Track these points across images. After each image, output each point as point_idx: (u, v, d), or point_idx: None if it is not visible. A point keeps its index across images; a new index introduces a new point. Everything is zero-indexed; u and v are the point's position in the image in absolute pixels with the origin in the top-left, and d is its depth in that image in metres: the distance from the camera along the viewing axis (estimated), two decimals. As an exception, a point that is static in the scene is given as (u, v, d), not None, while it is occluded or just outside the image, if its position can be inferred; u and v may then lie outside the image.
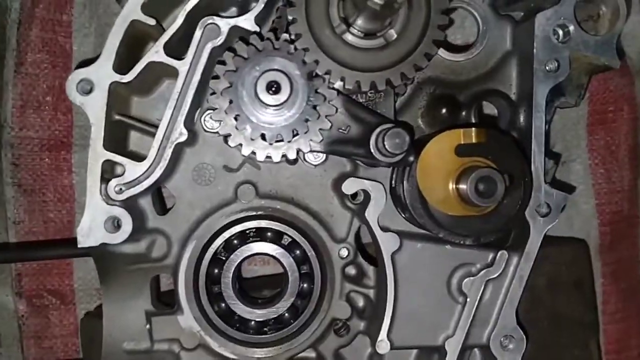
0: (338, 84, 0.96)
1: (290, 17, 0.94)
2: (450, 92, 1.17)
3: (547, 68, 1.10)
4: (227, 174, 1.16)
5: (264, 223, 1.16)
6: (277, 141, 0.97)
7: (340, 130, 1.02)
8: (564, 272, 1.33)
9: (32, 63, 1.39)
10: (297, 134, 0.97)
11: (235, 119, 0.96)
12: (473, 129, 0.99)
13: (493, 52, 1.19)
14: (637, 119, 1.50)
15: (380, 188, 1.10)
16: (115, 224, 1.06)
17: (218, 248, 1.16)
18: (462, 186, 0.97)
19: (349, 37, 0.95)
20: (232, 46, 1.04)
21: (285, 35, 0.97)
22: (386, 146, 0.95)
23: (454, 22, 1.22)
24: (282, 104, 0.93)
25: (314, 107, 0.96)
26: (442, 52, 1.17)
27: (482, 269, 1.12)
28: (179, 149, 1.10)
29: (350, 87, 0.96)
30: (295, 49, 0.95)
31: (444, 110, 1.15)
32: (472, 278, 1.11)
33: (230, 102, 0.95)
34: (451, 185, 0.98)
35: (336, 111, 0.99)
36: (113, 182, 1.06)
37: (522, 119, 1.16)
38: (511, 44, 1.19)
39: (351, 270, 1.19)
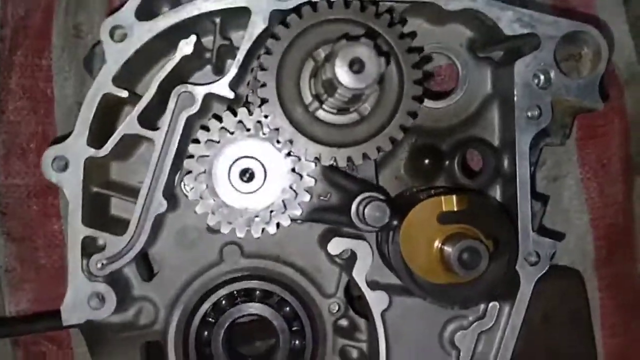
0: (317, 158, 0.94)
1: (261, 96, 0.92)
2: (432, 142, 1.15)
3: (528, 115, 1.09)
4: (211, 235, 1.14)
5: (251, 283, 1.15)
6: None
7: (321, 199, 1.00)
8: (558, 306, 1.31)
9: (13, 111, 1.37)
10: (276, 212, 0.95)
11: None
12: (454, 196, 0.97)
13: (474, 97, 1.17)
14: (628, 130, 1.48)
15: (366, 246, 1.08)
16: (99, 300, 1.05)
17: (206, 311, 1.15)
18: (446, 255, 0.95)
19: (322, 114, 0.93)
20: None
21: (257, 112, 0.94)
22: (366, 219, 0.94)
23: (433, 75, 1.19)
24: (257, 190, 0.91)
25: (291, 186, 0.94)
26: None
27: (474, 321, 1.10)
28: (160, 216, 1.09)
29: (327, 163, 0.94)
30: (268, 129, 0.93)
31: (426, 161, 1.14)
32: (464, 331, 1.10)
33: (206, 185, 0.93)
34: (434, 254, 0.97)
35: (315, 182, 0.97)
36: (94, 259, 1.05)
37: (506, 165, 1.14)
38: (492, 88, 1.17)
39: (342, 325, 1.18)
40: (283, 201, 0.95)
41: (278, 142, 0.93)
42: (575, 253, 1.44)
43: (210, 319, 1.15)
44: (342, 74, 0.79)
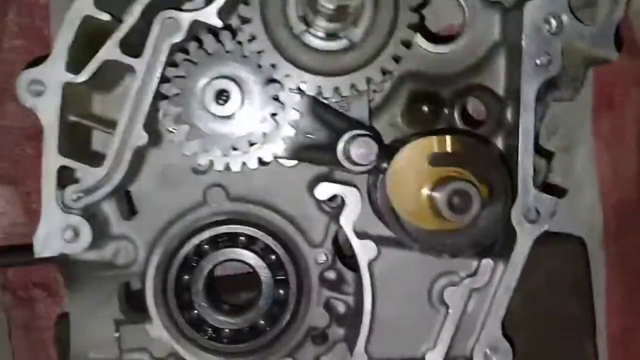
0: (302, 86, 0.87)
1: (244, 16, 0.85)
2: (433, 88, 1.08)
3: (537, 62, 1.01)
4: (195, 176, 1.09)
5: (235, 228, 1.10)
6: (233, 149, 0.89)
7: (307, 136, 0.94)
8: (561, 272, 1.27)
9: (8, 49, 1.33)
10: (256, 143, 0.89)
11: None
12: (448, 136, 0.91)
13: (480, 43, 1.10)
14: None
15: (356, 193, 1.02)
16: (74, 233, 1.01)
17: (188, 254, 1.10)
18: (435, 199, 0.89)
19: (309, 38, 0.86)
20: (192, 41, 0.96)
21: (240, 36, 0.88)
22: (352, 156, 0.88)
23: (425, 18, 1.12)
24: (233, 114, 0.85)
25: (273, 115, 0.88)
26: (424, 44, 1.08)
27: (465, 277, 1.05)
28: (141, 151, 1.03)
29: (312, 93, 0.88)
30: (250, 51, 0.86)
31: (425, 108, 1.07)
32: (454, 287, 1.04)
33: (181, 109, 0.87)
34: (424, 197, 0.90)
35: (301, 116, 0.91)
36: (69, 190, 1.00)
37: (509, 115, 1.07)
38: (500, 34, 1.10)
39: (329, 276, 1.13)
40: (264, 133, 0.89)
41: (259, 66, 0.87)
42: (583, 227, 1.39)
43: (191, 263, 1.11)
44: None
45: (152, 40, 0.99)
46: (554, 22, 1.01)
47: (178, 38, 0.98)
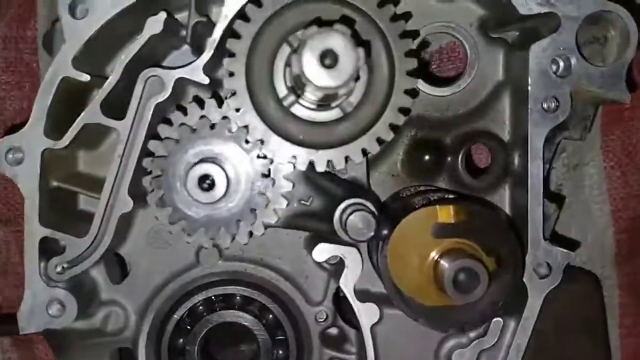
0: (293, 161, 0.81)
1: (229, 87, 0.79)
2: (435, 134, 1.03)
3: (544, 107, 0.95)
4: (187, 236, 1.03)
5: (230, 288, 1.04)
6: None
7: (302, 203, 0.88)
8: (571, 314, 1.20)
9: (-3, 85, 1.28)
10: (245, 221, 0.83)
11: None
12: (451, 206, 0.85)
13: (483, 84, 1.04)
14: None
15: (356, 253, 0.96)
16: (59, 306, 0.96)
17: (181, 317, 1.05)
18: (440, 274, 0.83)
19: (299, 109, 0.80)
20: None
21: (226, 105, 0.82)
22: (348, 231, 0.82)
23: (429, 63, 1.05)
24: (219, 200, 0.79)
25: (263, 192, 0.82)
26: (425, 87, 1.02)
27: (474, 338, 0.99)
28: (128, 215, 0.98)
29: (303, 168, 0.82)
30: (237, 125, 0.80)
31: (427, 157, 1.01)
32: (463, 350, 0.98)
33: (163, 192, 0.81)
34: (427, 273, 0.84)
35: (293, 186, 0.85)
36: (53, 262, 0.95)
37: (517, 163, 1.01)
38: (504, 74, 1.03)
39: (331, 335, 1.07)
40: (253, 210, 0.83)
41: (247, 142, 0.81)
42: (594, 248, 1.33)
43: (185, 326, 1.05)
44: (311, 69, 0.66)
45: (135, 100, 0.94)
46: (561, 64, 0.95)
47: (163, 97, 0.93)
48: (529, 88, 0.95)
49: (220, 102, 0.85)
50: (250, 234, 0.87)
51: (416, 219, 0.84)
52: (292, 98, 0.77)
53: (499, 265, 0.85)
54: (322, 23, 0.68)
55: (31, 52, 1.28)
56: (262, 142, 0.78)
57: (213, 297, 1.05)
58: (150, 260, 1.04)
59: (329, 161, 0.81)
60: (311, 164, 0.81)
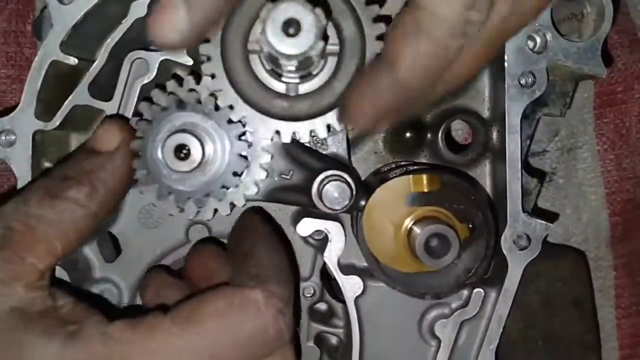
0: (276, 137, 0.84)
1: (205, 71, 0.82)
2: (415, 113, 1.05)
3: (521, 82, 0.97)
4: (177, 214, 1.06)
5: (220, 264, 1.07)
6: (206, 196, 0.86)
7: (283, 177, 0.91)
8: (560, 290, 1.22)
9: (-3, 79, 1.31)
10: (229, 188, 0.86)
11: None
12: (424, 175, 0.87)
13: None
14: None
15: (339, 227, 0.99)
16: (53, 281, 0.99)
17: (175, 292, 1.08)
18: (412, 242, 0.85)
19: (280, 86, 0.82)
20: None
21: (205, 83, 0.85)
22: (323, 200, 0.84)
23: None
24: (198, 165, 0.81)
25: (243, 156, 0.84)
26: (406, 66, 1.04)
27: (456, 309, 1.01)
28: (119, 194, 1.01)
29: (287, 140, 0.84)
30: (217, 107, 0.83)
31: (408, 134, 1.03)
32: (445, 320, 1.01)
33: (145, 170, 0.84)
34: (401, 240, 0.87)
35: (272, 158, 0.88)
36: (46, 237, 0.98)
37: (495, 138, 1.03)
38: (483, 52, 1.05)
39: (319, 310, 1.10)
40: (236, 178, 0.86)
41: (230, 122, 0.84)
42: (588, 230, 1.35)
43: (177, 302, 1.08)
44: (278, 43, 0.69)
45: (121, 82, 0.97)
46: (537, 40, 0.97)
47: (148, 78, 0.96)
48: (506, 64, 0.97)
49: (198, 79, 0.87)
50: (232, 205, 0.90)
51: (390, 189, 0.87)
52: (272, 78, 0.80)
53: (472, 233, 0.87)
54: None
55: (31, 46, 1.30)
56: (243, 121, 0.81)
57: (203, 274, 1.08)
58: (141, 238, 1.07)
59: (311, 131, 0.83)
60: (295, 136, 0.83)
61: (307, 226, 0.98)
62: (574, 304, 1.23)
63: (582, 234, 1.37)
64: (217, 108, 0.83)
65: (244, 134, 0.83)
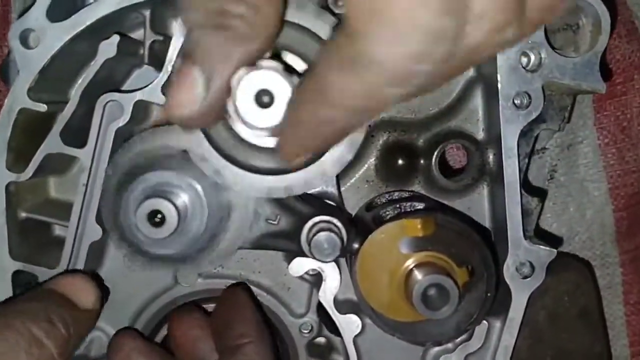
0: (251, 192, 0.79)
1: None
2: (407, 138, 1.00)
3: (516, 103, 0.92)
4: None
5: (211, 307, 1.03)
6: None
7: (269, 222, 0.86)
8: (566, 304, 1.18)
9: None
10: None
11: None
12: (418, 219, 0.82)
13: (455, 81, 1.00)
14: None
15: (333, 266, 0.94)
16: (38, 338, 0.95)
17: (164, 339, 1.04)
18: (409, 290, 0.81)
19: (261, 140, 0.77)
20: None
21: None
22: (312, 251, 0.80)
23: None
24: (170, 235, 0.77)
25: (221, 219, 0.80)
26: (395, 89, 0.99)
27: (459, 343, 0.97)
28: (100, 241, 0.96)
29: (263, 195, 0.79)
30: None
31: (400, 161, 0.99)
32: (448, 355, 0.96)
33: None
34: (397, 288, 0.82)
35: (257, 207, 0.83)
36: (28, 294, 0.94)
37: (492, 161, 0.98)
38: (475, 70, 1.00)
39: (317, 346, 1.06)
40: (214, 235, 0.81)
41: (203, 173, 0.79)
42: (593, 227, 1.31)
43: (169, 347, 1.04)
44: (249, 113, 0.63)
45: (95, 127, 0.92)
46: (532, 58, 0.92)
47: (123, 121, 0.92)
48: (499, 85, 0.92)
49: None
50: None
51: (383, 235, 0.82)
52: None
53: (471, 276, 0.82)
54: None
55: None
56: (217, 172, 0.76)
57: (195, 317, 1.04)
58: (128, 283, 1.03)
59: (286, 187, 0.78)
60: (269, 192, 0.78)
61: (299, 266, 0.94)
62: (581, 315, 1.20)
63: (587, 231, 1.34)
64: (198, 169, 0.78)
65: (223, 191, 0.78)
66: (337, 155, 0.79)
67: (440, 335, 0.87)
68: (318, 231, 0.82)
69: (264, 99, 0.61)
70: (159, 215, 0.76)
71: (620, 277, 1.37)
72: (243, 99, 0.61)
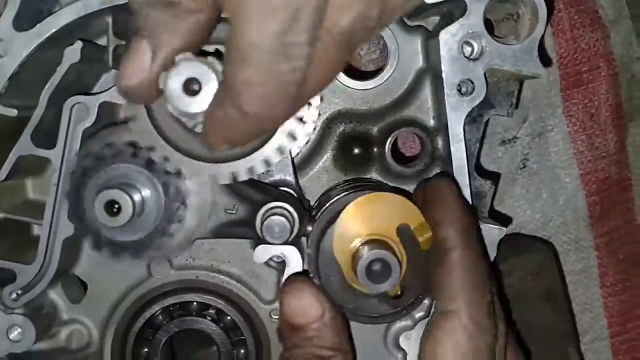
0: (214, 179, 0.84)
1: (127, 115, 0.83)
2: (363, 128, 1.05)
3: (461, 91, 0.97)
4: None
5: (185, 297, 1.08)
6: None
7: (228, 212, 0.91)
8: (531, 284, 1.23)
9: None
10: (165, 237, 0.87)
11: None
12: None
13: (407, 73, 1.05)
14: (617, 75, 1.39)
15: (295, 252, 0.99)
16: (20, 331, 1.00)
17: (142, 329, 1.09)
18: (356, 264, 0.86)
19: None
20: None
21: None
22: (265, 235, 0.85)
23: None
24: (131, 220, 0.82)
25: (177, 208, 0.85)
26: (351, 83, 1.04)
27: (419, 320, 1.01)
28: (74, 237, 1.02)
29: (227, 182, 0.84)
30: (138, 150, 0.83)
31: (356, 151, 1.04)
32: (409, 332, 1.00)
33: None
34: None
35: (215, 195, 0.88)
36: (7, 290, 1.00)
37: (442, 148, 1.03)
38: (425, 60, 1.05)
39: (288, 330, 1.10)
40: (176, 224, 0.86)
41: (153, 161, 0.84)
42: (567, 212, 1.36)
43: (147, 336, 1.10)
44: (181, 103, 0.68)
45: (63, 128, 0.98)
46: (473, 47, 0.96)
47: (90, 122, 0.97)
48: (443, 75, 0.96)
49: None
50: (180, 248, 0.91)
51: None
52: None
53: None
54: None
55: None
56: (166, 159, 0.81)
57: (170, 307, 1.09)
58: (105, 277, 1.08)
59: (250, 168, 0.84)
60: (234, 177, 0.84)
61: (263, 253, 0.98)
62: (546, 295, 1.24)
63: (561, 217, 1.38)
64: (150, 161, 0.83)
65: (177, 180, 0.83)
66: (279, 144, 0.84)
67: (381, 312, 0.91)
68: (271, 216, 0.87)
69: (193, 87, 0.66)
70: (116, 205, 0.81)
71: (596, 260, 1.41)
72: (173, 87, 0.66)
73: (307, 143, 1.01)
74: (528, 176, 1.36)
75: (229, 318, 1.09)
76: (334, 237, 0.89)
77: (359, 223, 0.89)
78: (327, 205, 0.91)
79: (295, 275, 0.94)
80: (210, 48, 0.78)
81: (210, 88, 0.67)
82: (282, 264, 1.04)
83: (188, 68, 0.66)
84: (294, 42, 0.65)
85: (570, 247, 1.41)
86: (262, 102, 0.67)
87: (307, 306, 0.88)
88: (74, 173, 0.84)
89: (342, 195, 0.92)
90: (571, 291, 1.37)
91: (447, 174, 0.98)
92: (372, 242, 0.85)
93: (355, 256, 0.86)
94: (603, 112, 1.38)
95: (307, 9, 0.64)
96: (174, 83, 0.66)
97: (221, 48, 0.77)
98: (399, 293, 0.87)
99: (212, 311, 1.09)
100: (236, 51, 0.65)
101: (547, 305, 1.23)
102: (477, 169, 1.04)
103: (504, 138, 1.35)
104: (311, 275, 0.93)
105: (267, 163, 0.85)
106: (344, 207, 0.89)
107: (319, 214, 0.91)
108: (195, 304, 1.09)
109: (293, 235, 0.88)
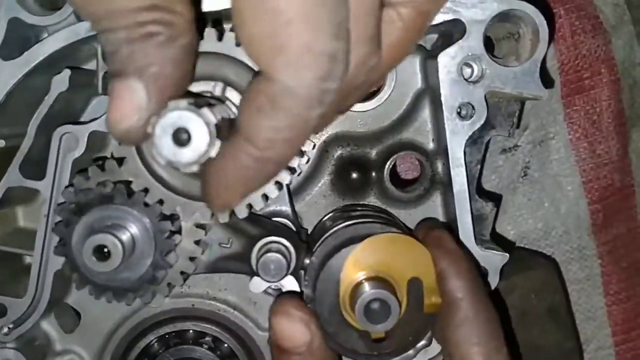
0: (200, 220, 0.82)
1: (117, 155, 0.80)
2: (361, 151, 1.02)
3: (460, 114, 0.94)
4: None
5: (180, 325, 1.06)
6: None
7: (222, 246, 0.89)
8: (534, 301, 1.21)
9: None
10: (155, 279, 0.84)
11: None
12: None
13: (405, 94, 1.03)
14: (618, 81, 1.37)
15: (292, 280, 0.96)
16: (11, 366, 0.98)
17: (137, 358, 1.06)
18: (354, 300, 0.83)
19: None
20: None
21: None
22: (260, 273, 0.82)
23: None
24: (119, 266, 0.79)
25: (167, 253, 0.82)
26: (347, 104, 1.01)
27: (420, 349, 0.98)
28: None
29: (207, 222, 0.82)
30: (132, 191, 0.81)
31: (354, 175, 1.01)
32: (409, 361, 0.99)
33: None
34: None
35: (205, 233, 0.86)
36: (-2, 324, 0.97)
37: (441, 171, 1.01)
38: (423, 81, 1.02)
39: (286, 357, 1.08)
40: (167, 259, 0.84)
41: (146, 205, 0.81)
42: (569, 220, 1.35)
43: (143, 365, 1.08)
44: (171, 154, 0.65)
45: (52, 158, 0.95)
46: (473, 68, 0.94)
47: (79, 152, 0.95)
48: (442, 98, 0.94)
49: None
50: (169, 286, 0.88)
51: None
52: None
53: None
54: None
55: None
56: (161, 202, 0.79)
57: (166, 335, 1.06)
58: (99, 305, 1.05)
59: (248, 205, 0.81)
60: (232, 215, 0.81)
61: (259, 284, 0.96)
62: (549, 312, 1.22)
63: (563, 225, 1.36)
64: (132, 194, 0.81)
65: (165, 216, 0.81)
66: (278, 178, 0.82)
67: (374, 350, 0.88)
68: (266, 252, 0.85)
69: (182, 136, 0.63)
70: (105, 250, 0.78)
71: (599, 268, 1.40)
72: (162, 140, 0.63)
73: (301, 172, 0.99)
74: (529, 184, 1.35)
75: (225, 346, 1.07)
76: (347, 258, 0.86)
77: (375, 256, 0.86)
78: (326, 236, 0.88)
79: (286, 295, 0.91)
80: (200, 84, 0.75)
81: (201, 136, 0.64)
82: (279, 290, 1.03)
83: (175, 117, 0.63)
84: (328, 88, 0.64)
85: (573, 256, 1.39)
86: (284, 146, 0.65)
87: (295, 330, 0.86)
88: (62, 210, 0.81)
89: (341, 226, 0.89)
90: (574, 300, 1.36)
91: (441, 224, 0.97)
92: (378, 280, 0.83)
93: (358, 287, 0.83)
94: (605, 118, 1.37)
95: (340, 53, 0.64)
96: (162, 133, 0.63)
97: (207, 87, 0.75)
98: (382, 337, 0.84)
99: (208, 339, 1.07)
100: (265, 97, 0.63)
101: (551, 322, 1.21)
102: (478, 189, 1.01)
103: (504, 146, 1.34)
104: (305, 284, 0.91)
105: (266, 198, 0.82)
106: (367, 234, 0.87)
107: (317, 247, 0.88)
108: (191, 332, 1.06)
109: (289, 272, 0.86)
